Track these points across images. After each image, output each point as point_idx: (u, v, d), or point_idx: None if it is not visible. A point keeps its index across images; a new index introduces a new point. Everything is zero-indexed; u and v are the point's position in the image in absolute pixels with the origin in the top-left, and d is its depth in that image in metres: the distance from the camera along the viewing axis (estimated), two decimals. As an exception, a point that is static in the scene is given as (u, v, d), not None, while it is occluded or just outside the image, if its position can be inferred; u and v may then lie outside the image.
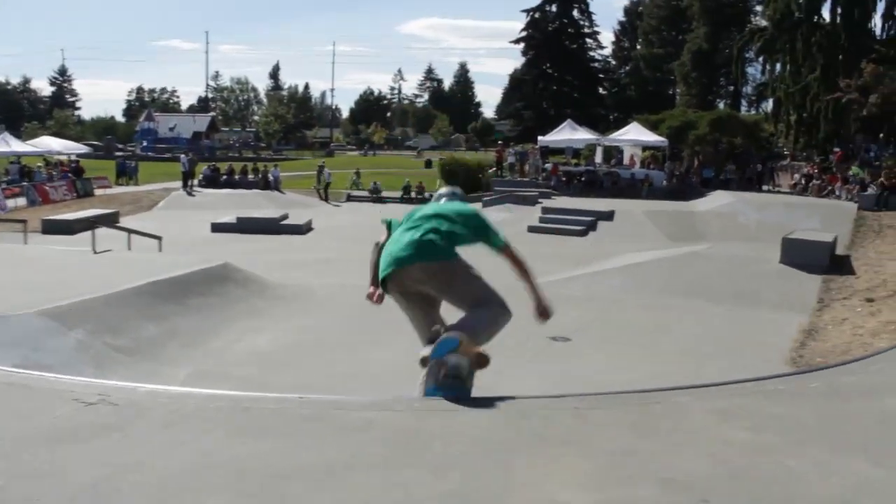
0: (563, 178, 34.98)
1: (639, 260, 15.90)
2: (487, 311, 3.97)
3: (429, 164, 61.02)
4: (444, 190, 4.50)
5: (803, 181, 31.32)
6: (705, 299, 12.40)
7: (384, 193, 35.42)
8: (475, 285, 3.97)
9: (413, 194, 34.77)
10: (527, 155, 37.11)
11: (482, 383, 4.27)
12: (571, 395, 4.45)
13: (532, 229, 23.15)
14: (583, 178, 34.73)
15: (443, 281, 3.89)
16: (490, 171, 38.51)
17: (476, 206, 5.20)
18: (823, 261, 13.82)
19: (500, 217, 25.22)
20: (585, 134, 38.36)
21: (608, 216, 23.89)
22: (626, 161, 39.69)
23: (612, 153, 47.30)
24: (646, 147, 45.89)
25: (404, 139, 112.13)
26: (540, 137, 37.18)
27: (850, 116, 35.62)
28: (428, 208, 4.24)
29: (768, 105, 47.27)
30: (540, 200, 27.42)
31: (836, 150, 36.39)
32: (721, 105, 70.54)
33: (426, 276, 3.86)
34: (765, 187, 35.13)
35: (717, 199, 26.69)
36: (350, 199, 34.79)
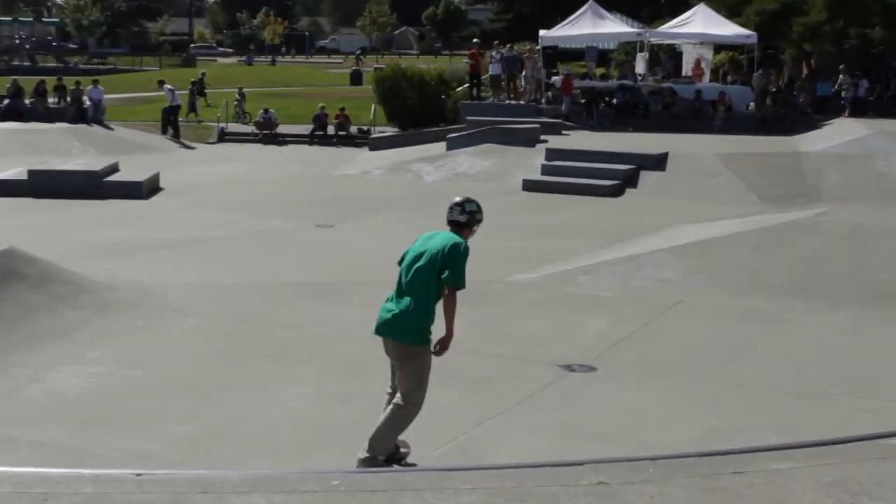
0: (583, 101, 35.41)
1: (708, 235, 16.30)
2: (395, 415, 7.48)
3: (357, 78, 61.90)
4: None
5: None
6: (818, 300, 12.94)
7: (282, 129, 36.25)
8: (409, 380, 7.54)
9: (332, 131, 35.62)
10: (520, 62, 37.42)
11: (453, 445, 4.87)
12: (593, 462, 4.65)
13: (530, 186, 23.91)
14: (614, 101, 35.34)
15: (397, 359, 7.63)
16: (459, 89, 38.88)
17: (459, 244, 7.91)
18: None
19: (476, 166, 26.04)
20: (619, 25, 38.94)
21: (658, 163, 24.62)
22: (686, 70, 40.67)
23: (665, 57, 48.21)
24: (721, 46, 46.99)
25: (315, 37, 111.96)
26: (543, 32, 37.52)
27: None
28: (412, 253, 7.91)
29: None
30: (543, 138, 28.15)
31: None
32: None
33: (392, 350, 7.66)
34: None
35: (841, 133, 27.61)
36: (224, 137, 35.43)
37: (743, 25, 36.87)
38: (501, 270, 14.83)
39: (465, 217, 8.30)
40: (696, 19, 36.65)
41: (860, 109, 34.45)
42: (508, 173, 25.39)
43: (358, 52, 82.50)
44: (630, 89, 34.89)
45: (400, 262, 7.95)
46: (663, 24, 40.77)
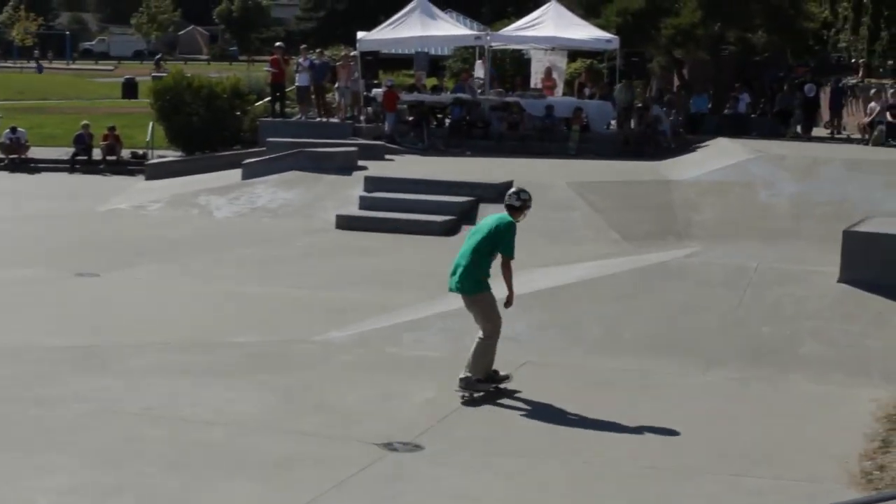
0: (410, 118, 35.71)
1: (560, 281, 16.58)
2: (478, 347, 11.83)
3: (131, 89, 60.84)
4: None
5: (887, 117, 33.79)
6: (689, 358, 13.28)
7: (34, 152, 35.67)
8: (480, 318, 12.01)
9: (98, 155, 35.11)
10: (331, 70, 37.53)
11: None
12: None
13: (346, 223, 24.09)
14: (449, 118, 35.72)
15: (468, 306, 12.10)
16: (259, 103, 38.72)
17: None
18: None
19: (278, 199, 26.01)
20: (454, 27, 39.58)
21: (501, 194, 24.50)
22: (536, 82, 41.46)
23: (510, 66, 48.91)
24: (577, 53, 47.92)
25: (79, 38, 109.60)
26: (361, 34, 37.75)
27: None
28: (472, 231, 12.35)
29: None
30: (362, 164, 28.37)
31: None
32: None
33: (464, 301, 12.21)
34: (815, 130, 37.83)
35: (717, 157, 28.42)
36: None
37: (602, 28, 37.79)
38: (309, 327, 14.81)
39: (520, 203, 12.67)
40: (547, 20, 37.32)
41: (740, 128, 35.72)
42: (318, 207, 25.40)
43: (158, 56, 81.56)
44: (468, 104, 35.35)
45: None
46: (508, 25, 41.45)
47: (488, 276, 12.10)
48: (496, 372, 12.11)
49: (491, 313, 12.05)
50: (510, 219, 12.31)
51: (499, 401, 11.77)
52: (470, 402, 11.78)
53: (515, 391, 12.09)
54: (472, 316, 12.21)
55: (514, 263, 12.00)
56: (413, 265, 19.91)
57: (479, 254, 12.08)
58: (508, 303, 12.12)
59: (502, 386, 12.10)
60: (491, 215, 12.60)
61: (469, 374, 11.88)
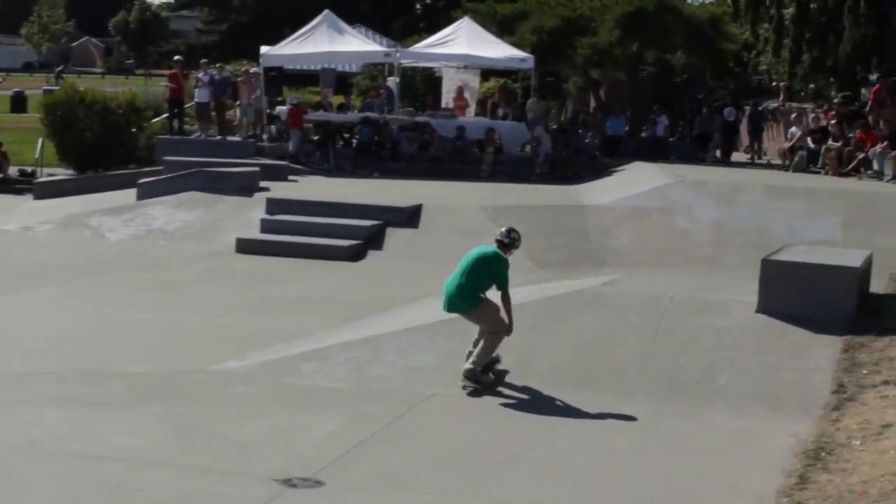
0: (316, 138, 35.61)
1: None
2: (486, 341, 13.58)
3: (19, 102, 59.96)
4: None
5: (808, 143, 34.18)
6: (603, 390, 13.35)
7: None
8: (485, 322, 13.77)
9: None
10: (233, 85, 37.39)
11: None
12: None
13: (246, 247, 24.02)
14: (356, 138, 35.68)
15: (472, 320, 13.91)
16: (156, 120, 38.44)
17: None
18: (846, 306, 15.07)
19: (176, 221, 25.82)
20: (362, 42, 39.51)
21: (409, 218, 25.16)
22: (447, 101, 41.54)
23: (420, 84, 48.97)
24: (490, 72, 48.05)
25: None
26: (265, 49, 37.60)
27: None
28: (464, 262, 13.98)
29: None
30: (264, 185, 28.35)
31: (874, 78, 40.42)
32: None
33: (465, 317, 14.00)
34: (735, 155, 38.27)
35: (635, 182, 28.71)
36: None
37: (517, 46, 38.01)
38: (205, 356, 14.71)
39: (508, 241, 14.38)
40: (460, 37, 37.43)
41: (658, 151, 36.07)
42: (218, 230, 25.27)
43: (59, 68, 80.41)
44: (376, 124, 35.36)
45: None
46: (419, 41, 41.53)
47: (479, 295, 13.80)
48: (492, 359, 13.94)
49: (495, 316, 13.75)
50: (501, 254, 14.04)
51: (405, 434, 11.74)
52: (474, 393, 13.34)
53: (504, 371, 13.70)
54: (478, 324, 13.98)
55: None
56: (317, 292, 19.87)
57: (469, 283, 13.72)
58: (508, 331, 13.73)
59: (498, 368, 13.97)
60: (480, 246, 14.32)
61: (474, 366, 13.49)
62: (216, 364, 14.39)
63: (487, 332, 13.72)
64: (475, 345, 13.79)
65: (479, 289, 13.72)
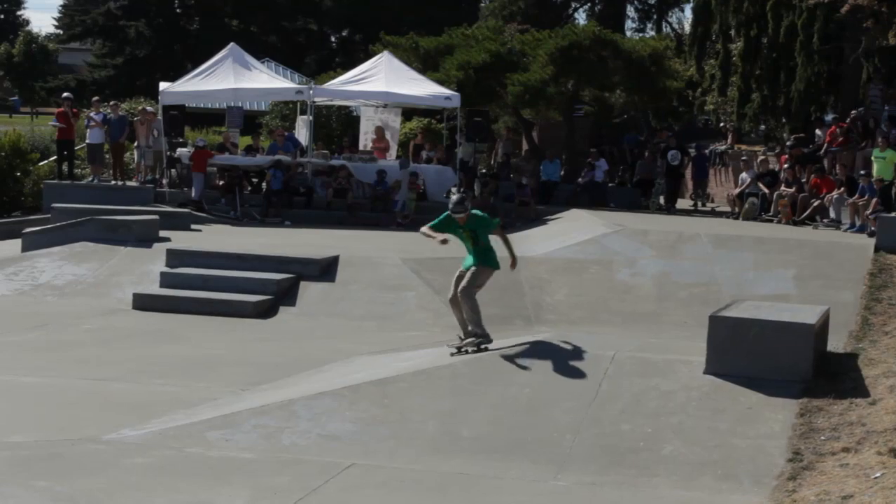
0: (221, 182, 35.60)
1: (391, 372, 16.58)
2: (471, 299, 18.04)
3: None
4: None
5: (760, 189, 34.68)
6: (538, 461, 13.34)
7: None
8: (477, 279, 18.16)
9: None
10: (127, 126, 37.27)
11: None
12: None
13: (144, 303, 23.95)
14: (263, 183, 35.70)
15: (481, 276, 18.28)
16: (43, 163, 38.22)
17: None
18: (801, 367, 15.22)
19: (66, 274, 25.72)
20: (272, 79, 39.66)
21: (324, 271, 25.22)
22: (365, 142, 41.70)
23: (336, 124, 49.11)
24: (413, 110, 48.27)
25: None
26: (164, 86, 37.61)
27: (863, 43, 40.44)
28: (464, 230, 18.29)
29: (683, 19, 52.24)
30: (164, 235, 28.28)
31: (830, 118, 40.91)
32: (579, 19, 76.46)
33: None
34: (680, 202, 38.58)
35: (571, 231, 29.00)
36: None
37: (442, 83, 38.25)
38: (98, 424, 14.55)
39: (464, 207, 18.01)
40: (379, 74, 37.72)
41: (596, 198, 36.35)
42: (112, 285, 25.11)
43: None
44: (284, 169, 35.38)
45: (441, 228, 18.17)
46: (334, 77, 41.69)
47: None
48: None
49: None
50: (478, 212, 18.56)
51: (320, 510, 11.70)
52: (482, 345, 17.29)
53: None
54: (467, 277, 17.98)
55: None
56: (223, 352, 19.76)
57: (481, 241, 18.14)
58: (514, 264, 18.91)
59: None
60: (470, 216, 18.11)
61: (475, 328, 17.40)
62: (111, 433, 14.24)
63: (474, 289, 17.96)
64: (462, 323, 17.85)
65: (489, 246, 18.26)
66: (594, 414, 14.38)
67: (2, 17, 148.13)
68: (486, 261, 18.16)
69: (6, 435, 14.08)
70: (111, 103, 39.40)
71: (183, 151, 36.17)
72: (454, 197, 18.58)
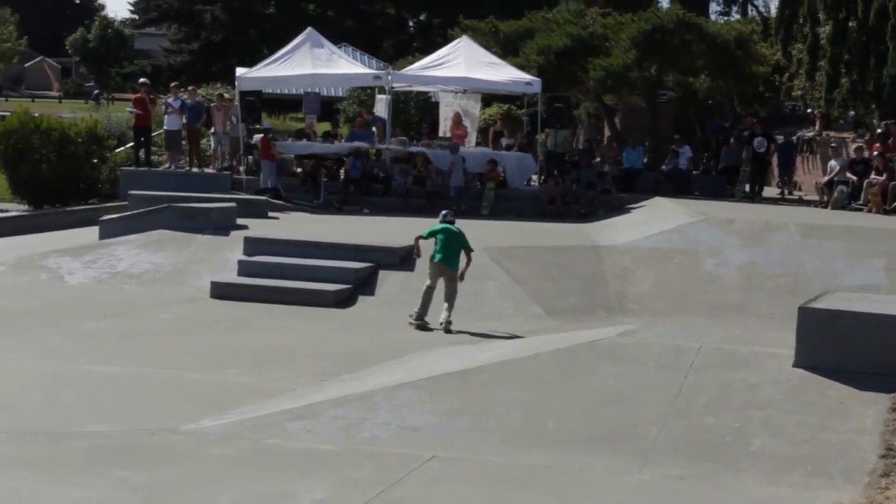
0: (297, 169, 35.67)
1: (472, 363, 16.61)
2: (452, 290, 22.04)
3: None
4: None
5: (849, 177, 34.50)
6: (622, 454, 13.26)
7: None
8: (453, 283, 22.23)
9: None
10: (204, 112, 37.45)
11: None
12: None
13: (222, 291, 24.11)
14: (342, 170, 35.73)
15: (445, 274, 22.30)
16: (120, 150, 38.49)
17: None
18: (893, 360, 14.96)
19: (143, 263, 25.88)
20: (349, 64, 39.72)
21: (403, 260, 25.26)
22: (444, 129, 41.63)
23: (414, 110, 49.07)
24: (492, 96, 48.10)
25: None
26: (241, 71, 37.77)
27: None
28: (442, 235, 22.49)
29: (769, 2, 51.79)
30: (242, 223, 28.51)
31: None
32: (663, 3, 76.06)
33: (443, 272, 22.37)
34: (766, 190, 38.42)
35: (655, 220, 28.98)
36: None
37: (522, 68, 38.08)
38: (176, 414, 14.65)
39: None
40: (458, 58, 37.55)
41: (680, 186, 36.12)
42: (190, 273, 25.31)
43: (96, 92, 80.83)
44: (362, 156, 35.39)
45: (428, 235, 22.21)
46: (412, 63, 41.61)
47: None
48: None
49: (456, 284, 21.89)
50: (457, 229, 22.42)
51: (401, 502, 11.71)
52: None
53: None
54: (443, 280, 21.82)
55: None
56: (301, 342, 19.85)
57: (456, 250, 21.98)
58: (462, 276, 21.91)
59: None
60: (445, 227, 22.23)
61: (448, 313, 21.48)
62: (189, 423, 14.34)
63: (454, 285, 21.76)
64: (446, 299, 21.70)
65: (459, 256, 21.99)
66: (679, 406, 14.32)
67: (78, 2, 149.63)
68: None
69: (84, 424, 14.22)
70: (189, 88, 39.57)
71: (259, 138, 36.28)
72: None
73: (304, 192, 34.35)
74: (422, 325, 21.54)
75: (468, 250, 21.92)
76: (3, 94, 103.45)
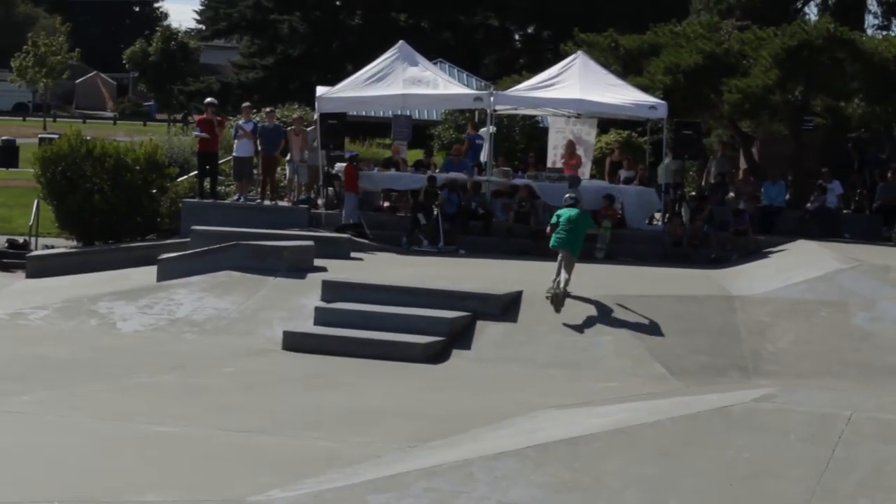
0: (384, 204, 35.80)
1: (583, 430, 16.36)
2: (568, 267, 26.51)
3: (10, 154, 60.44)
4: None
5: None
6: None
7: None
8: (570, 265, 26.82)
9: None
10: (282, 137, 37.68)
11: None
12: None
13: (296, 343, 24.20)
14: (435, 205, 35.79)
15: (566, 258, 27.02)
16: (182, 179, 38.85)
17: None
18: None
19: (207, 308, 26.10)
20: (447, 83, 39.57)
21: (505, 309, 25.33)
22: (554, 159, 41.66)
23: (520, 137, 49.05)
24: (610, 121, 48.01)
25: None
26: (322, 90, 37.91)
27: None
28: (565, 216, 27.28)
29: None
30: (320, 264, 28.66)
31: None
32: (810, 14, 75.63)
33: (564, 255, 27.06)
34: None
35: (798, 266, 28.79)
36: None
37: (645, 90, 37.98)
38: (244, 484, 14.72)
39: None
40: (571, 77, 37.54)
41: (829, 227, 35.84)
42: (259, 321, 25.46)
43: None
44: (462, 189, 35.43)
45: (553, 224, 26.51)
46: (519, 83, 41.61)
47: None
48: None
49: (573, 268, 25.94)
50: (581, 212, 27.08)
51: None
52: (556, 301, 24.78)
53: None
54: (563, 264, 25.68)
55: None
56: (386, 402, 19.88)
57: (574, 234, 26.08)
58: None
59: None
60: (565, 211, 26.48)
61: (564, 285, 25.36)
62: (258, 493, 14.42)
63: (564, 274, 25.45)
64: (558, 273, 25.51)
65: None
66: (827, 485, 14.18)
67: (137, 9, 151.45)
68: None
69: (140, 492, 14.33)
70: (266, 110, 39.83)
71: (341, 167, 36.37)
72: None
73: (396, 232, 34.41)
74: (555, 296, 24.92)
75: (590, 229, 27.35)
76: (51, 113, 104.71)
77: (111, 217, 35.48)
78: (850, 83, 39.71)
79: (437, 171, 37.82)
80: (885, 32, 64.70)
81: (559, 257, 25.87)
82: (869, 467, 14.49)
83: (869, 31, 64.42)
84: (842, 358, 23.25)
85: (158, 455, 16.20)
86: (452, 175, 36.27)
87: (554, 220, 26.48)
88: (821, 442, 15.03)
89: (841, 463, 14.57)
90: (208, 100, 39.87)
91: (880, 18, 74.97)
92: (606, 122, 46.47)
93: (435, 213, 34.52)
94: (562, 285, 25.15)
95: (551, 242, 26.25)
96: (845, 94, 40.83)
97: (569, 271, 25.56)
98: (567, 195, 27.74)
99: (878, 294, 25.37)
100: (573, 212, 26.32)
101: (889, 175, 38.20)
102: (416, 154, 43.40)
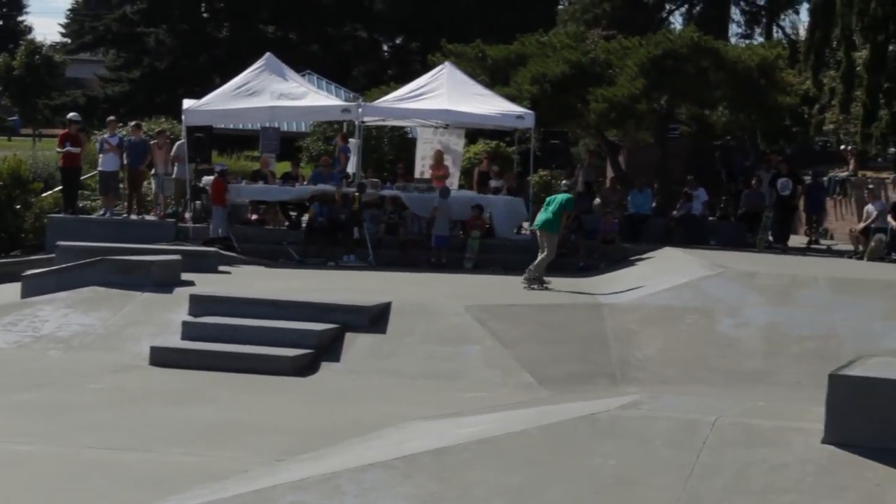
0: (252, 216, 35.69)
1: (451, 440, 16.43)
2: (542, 259, 30.40)
3: None
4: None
5: (889, 224, 34.89)
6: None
7: None
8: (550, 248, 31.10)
9: None
10: (148, 150, 37.50)
11: None
12: None
13: (163, 358, 24.01)
14: (306, 217, 35.71)
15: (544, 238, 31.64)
16: (47, 194, 38.50)
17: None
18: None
19: (72, 325, 25.79)
20: (314, 95, 39.67)
21: (374, 320, 25.25)
22: (422, 169, 41.76)
23: (388, 148, 49.14)
24: (478, 132, 48.20)
25: None
26: (189, 103, 37.76)
27: None
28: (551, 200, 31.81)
29: (798, 22, 51.80)
30: (188, 278, 28.54)
31: None
32: (675, 24, 76.41)
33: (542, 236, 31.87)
34: (793, 239, 38.37)
35: (664, 273, 29.13)
36: None
37: (513, 99, 38.21)
38: (111, 501, 14.63)
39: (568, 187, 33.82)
40: (440, 88, 37.67)
41: (694, 234, 36.19)
42: (127, 336, 25.25)
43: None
44: (331, 201, 35.42)
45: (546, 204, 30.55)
46: (387, 93, 41.66)
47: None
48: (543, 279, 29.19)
49: (554, 247, 29.41)
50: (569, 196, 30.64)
51: None
52: (528, 289, 28.56)
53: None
54: (542, 245, 29.76)
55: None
56: (254, 416, 19.81)
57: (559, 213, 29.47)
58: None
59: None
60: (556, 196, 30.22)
61: (533, 271, 29.10)
62: (123, 512, 14.33)
63: (541, 254, 29.42)
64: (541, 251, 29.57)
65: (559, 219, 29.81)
66: (692, 491, 14.30)
67: (0, 23, 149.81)
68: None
69: (0, 515, 14.19)
70: (132, 124, 39.53)
71: (208, 180, 36.23)
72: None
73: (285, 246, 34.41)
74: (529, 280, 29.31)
75: (565, 210, 29.82)
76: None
77: (-28, 233, 35.19)
78: (714, 91, 40.27)
79: (305, 183, 37.75)
80: (747, 41, 65.76)
81: (538, 236, 29.97)
82: (732, 472, 14.63)
83: (732, 40, 65.50)
84: (708, 364, 23.46)
85: (21, 476, 16.02)
86: (321, 187, 36.19)
87: (545, 205, 29.98)
88: (686, 448, 15.15)
89: (706, 469, 14.70)
90: (71, 115, 39.43)
91: (743, 27, 76.44)
92: (475, 132, 46.71)
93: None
94: (532, 268, 29.16)
95: (534, 223, 30.91)
96: (710, 103, 41.40)
97: (551, 250, 29.33)
98: (563, 181, 32.66)
99: (743, 300, 25.62)
100: (563, 196, 29.95)
101: (753, 182, 38.62)
102: (285, 166, 43.28)
